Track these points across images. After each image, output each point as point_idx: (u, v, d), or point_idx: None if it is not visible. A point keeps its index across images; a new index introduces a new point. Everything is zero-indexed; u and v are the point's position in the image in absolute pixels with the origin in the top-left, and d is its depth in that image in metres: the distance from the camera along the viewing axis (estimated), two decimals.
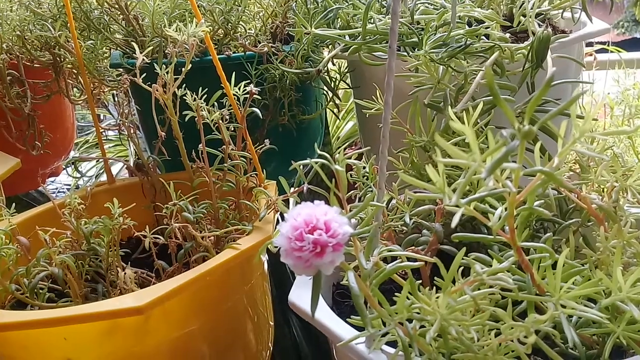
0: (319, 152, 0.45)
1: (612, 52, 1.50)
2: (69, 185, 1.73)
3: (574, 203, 0.57)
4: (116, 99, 0.87)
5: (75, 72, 1.05)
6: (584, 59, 1.04)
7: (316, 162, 0.45)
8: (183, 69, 0.72)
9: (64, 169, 1.90)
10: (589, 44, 1.42)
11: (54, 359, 0.61)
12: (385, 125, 0.44)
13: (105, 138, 1.75)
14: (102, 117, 1.78)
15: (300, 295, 0.58)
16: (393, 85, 0.67)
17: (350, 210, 0.43)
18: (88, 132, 1.88)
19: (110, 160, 0.94)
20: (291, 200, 0.70)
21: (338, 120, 1.83)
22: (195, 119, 0.73)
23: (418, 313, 0.40)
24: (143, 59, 0.70)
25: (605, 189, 0.52)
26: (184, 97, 0.71)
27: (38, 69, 1.07)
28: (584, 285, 0.41)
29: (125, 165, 0.90)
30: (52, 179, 1.74)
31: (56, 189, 1.80)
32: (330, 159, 0.44)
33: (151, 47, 0.82)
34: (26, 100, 1.05)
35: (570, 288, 0.42)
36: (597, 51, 1.44)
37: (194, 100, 0.68)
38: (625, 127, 0.88)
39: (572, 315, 0.43)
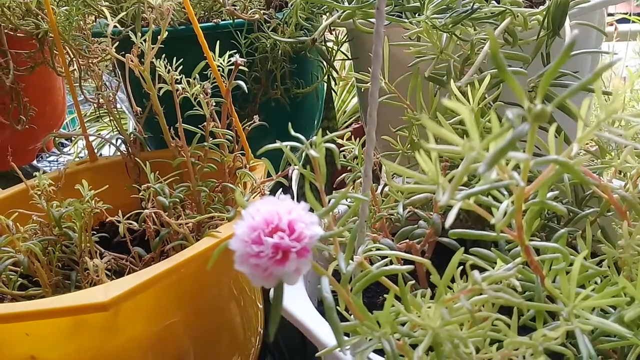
0: (293, 133, 0.39)
1: (633, 22, 1.43)
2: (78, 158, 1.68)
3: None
4: (93, 71, 0.80)
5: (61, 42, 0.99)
6: (605, 28, 0.96)
7: (287, 146, 0.38)
8: (163, 38, 0.65)
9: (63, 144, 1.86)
10: (609, 14, 1.34)
11: (17, 356, 0.56)
12: (372, 103, 0.38)
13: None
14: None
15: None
16: (389, 56, 0.60)
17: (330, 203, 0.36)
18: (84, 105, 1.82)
19: (108, 136, 0.89)
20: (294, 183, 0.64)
21: (344, 93, 1.76)
22: (177, 92, 0.66)
23: (405, 324, 0.34)
24: (116, 26, 0.63)
25: (629, 176, 0.45)
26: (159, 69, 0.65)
27: (23, 39, 1.00)
28: (602, 295, 0.34)
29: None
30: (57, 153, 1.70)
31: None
32: (305, 142, 0.38)
33: (125, 13, 0.75)
34: (8, 72, 0.99)
35: (587, 295, 0.35)
36: (618, 21, 1.36)
37: (168, 72, 0.61)
38: None
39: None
